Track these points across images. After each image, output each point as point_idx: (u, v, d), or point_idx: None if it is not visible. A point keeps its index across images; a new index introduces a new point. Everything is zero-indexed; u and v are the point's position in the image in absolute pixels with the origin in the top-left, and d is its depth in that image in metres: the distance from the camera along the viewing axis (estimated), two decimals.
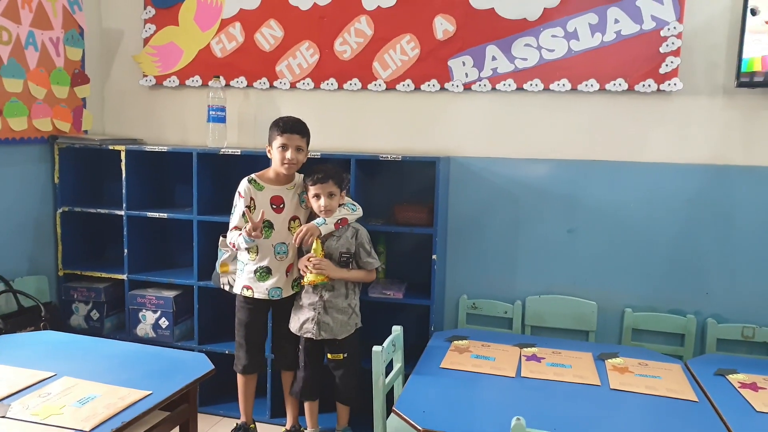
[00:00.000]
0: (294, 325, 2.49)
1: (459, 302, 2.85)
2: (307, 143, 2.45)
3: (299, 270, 2.49)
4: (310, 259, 2.37)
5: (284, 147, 2.39)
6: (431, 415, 1.75)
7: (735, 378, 2.08)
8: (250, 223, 2.29)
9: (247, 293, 2.47)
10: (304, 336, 2.46)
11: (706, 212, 2.59)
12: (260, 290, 2.46)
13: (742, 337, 2.57)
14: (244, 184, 2.44)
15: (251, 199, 2.43)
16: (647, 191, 2.64)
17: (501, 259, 2.83)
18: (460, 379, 2.05)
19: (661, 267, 2.66)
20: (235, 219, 2.45)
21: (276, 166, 2.44)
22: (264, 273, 2.45)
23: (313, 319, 2.43)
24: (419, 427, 1.70)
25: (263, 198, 2.44)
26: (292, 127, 2.39)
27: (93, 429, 1.58)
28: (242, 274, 2.49)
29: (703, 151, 2.57)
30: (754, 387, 2.00)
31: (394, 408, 1.81)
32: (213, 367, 2.06)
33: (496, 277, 2.83)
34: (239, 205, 2.43)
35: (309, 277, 2.38)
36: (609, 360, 2.23)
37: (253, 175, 2.46)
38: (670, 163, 2.60)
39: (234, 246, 2.42)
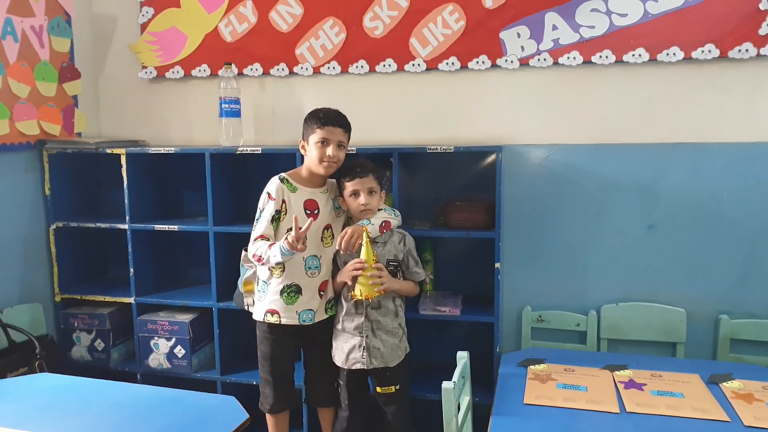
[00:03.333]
0: (339, 357, 2.09)
1: (522, 315, 2.45)
2: (348, 139, 2.07)
3: (336, 288, 2.10)
4: (364, 268, 1.95)
5: (325, 142, 2.00)
6: None
7: None
8: (293, 231, 1.88)
9: (272, 319, 2.07)
10: (353, 367, 2.06)
11: None
12: (288, 315, 2.06)
13: None
14: (275, 184, 2.04)
15: (283, 202, 2.03)
16: (744, 177, 2.24)
17: (569, 263, 2.42)
18: (553, 418, 1.68)
19: (762, 265, 2.26)
20: (262, 226, 2.03)
21: (312, 165, 2.04)
22: (293, 293, 2.05)
23: (360, 346, 2.04)
24: None
25: (296, 201, 2.04)
26: (334, 120, 2.01)
27: None
28: (264, 296, 2.09)
29: None
30: None
31: None
32: (247, 416, 1.68)
33: (563, 284, 2.43)
34: (268, 208, 2.02)
35: (362, 290, 1.95)
36: (725, 384, 1.87)
37: (284, 174, 2.07)
38: None
39: (260, 260, 2.00)
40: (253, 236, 2.05)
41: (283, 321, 2.07)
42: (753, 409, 1.70)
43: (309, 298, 2.07)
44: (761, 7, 2.12)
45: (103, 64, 2.80)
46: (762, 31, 2.13)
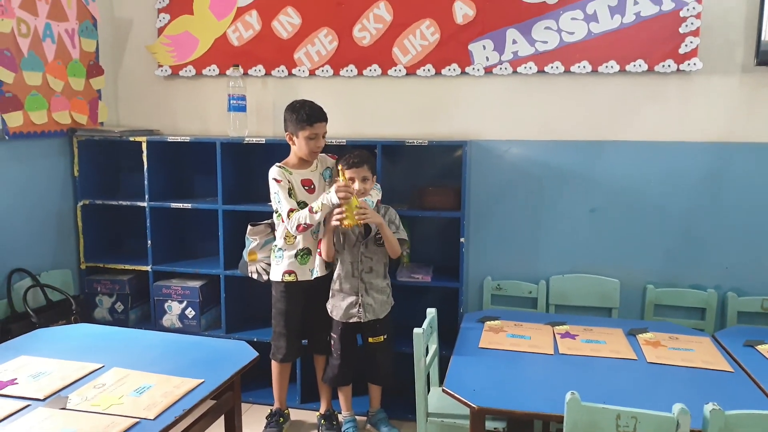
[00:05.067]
0: (337, 313, 2.51)
1: (483, 284, 2.89)
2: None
3: (329, 254, 2.50)
4: (353, 207, 2.32)
5: (314, 137, 2.42)
6: (482, 394, 1.79)
7: (764, 348, 2.14)
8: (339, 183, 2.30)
9: (290, 278, 2.48)
10: (350, 321, 2.49)
11: (725, 188, 2.65)
12: (303, 273, 2.49)
13: (762, 309, 2.64)
14: (276, 170, 2.45)
15: (288, 181, 2.44)
16: (667, 169, 2.70)
17: (524, 240, 2.87)
18: (500, 357, 2.08)
19: (681, 243, 2.73)
20: (287, 202, 2.39)
21: (304, 155, 2.47)
22: (305, 254, 2.48)
23: (357, 303, 2.47)
24: (474, 405, 1.73)
25: (295, 181, 2.47)
26: (318, 116, 2.43)
27: (157, 417, 1.60)
28: (280, 260, 2.50)
29: (723, 128, 2.62)
30: None
31: (444, 387, 1.84)
32: (257, 354, 2.07)
33: (519, 258, 2.88)
34: (282, 189, 2.41)
35: (348, 221, 2.31)
36: (640, 335, 2.28)
37: (280, 163, 2.49)
38: (690, 142, 2.65)
39: (303, 228, 2.36)
40: (284, 212, 2.39)
41: (300, 278, 2.48)
42: (657, 351, 2.13)
43: (315, 257, 2.50)
44: (681, 30, 2.57)
45: (124, 62, 3.18)
46: (681, 51, 2.58)
